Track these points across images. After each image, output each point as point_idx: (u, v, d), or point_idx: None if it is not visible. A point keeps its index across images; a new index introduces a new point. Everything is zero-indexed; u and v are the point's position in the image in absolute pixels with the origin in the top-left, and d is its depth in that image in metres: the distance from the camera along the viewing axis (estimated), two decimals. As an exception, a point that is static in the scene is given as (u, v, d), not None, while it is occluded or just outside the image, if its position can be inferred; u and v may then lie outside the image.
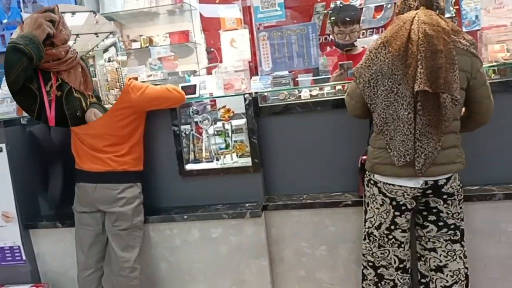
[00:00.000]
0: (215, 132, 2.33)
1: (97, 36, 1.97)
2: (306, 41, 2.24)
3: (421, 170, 1.63)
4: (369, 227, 1.82)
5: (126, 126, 2.05)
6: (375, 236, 1.79)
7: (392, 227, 1.75)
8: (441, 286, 1.77)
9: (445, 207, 1.72)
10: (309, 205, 2.10)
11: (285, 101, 2.21)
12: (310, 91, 2.24)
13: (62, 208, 2.30)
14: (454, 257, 1.75)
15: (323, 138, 2.15)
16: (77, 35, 1.88)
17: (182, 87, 2.18)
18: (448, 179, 1.68)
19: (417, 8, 1.66)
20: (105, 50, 2.02)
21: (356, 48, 2.67)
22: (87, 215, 2.10)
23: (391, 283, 1.81)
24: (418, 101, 1.59)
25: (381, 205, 1.76)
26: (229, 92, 2.24)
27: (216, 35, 2.70)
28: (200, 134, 2.36)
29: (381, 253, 1.79)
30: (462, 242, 1.76)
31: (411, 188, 1.68)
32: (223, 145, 2.32)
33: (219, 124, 2.35)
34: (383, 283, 1.82)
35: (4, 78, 1.75)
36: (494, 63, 1.98)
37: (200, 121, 2.30)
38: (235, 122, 2.32)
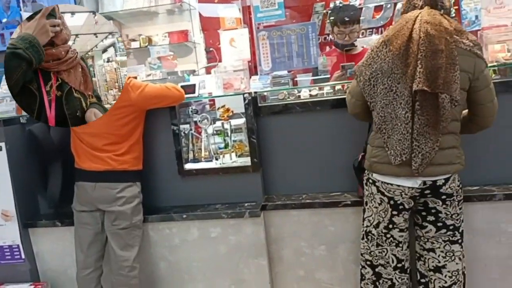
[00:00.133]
0: (214, 132, 2.33)
1: (96, 37, 1.97)
2: (306, 41, 2.24)
3: (418, 170, 1.63)
4: (367, 226, 1.82)
5: (126, 125, 2.05)
6: (373, 235, 1.79)
7: (390, 226, 1.75)
8: (439, 286, 1.76)
9: (444, 208, 1.71)
10: (308, 205, 2.10)
11: (284, 100, 2.21)
12: (310, 90, 2.23)
13: (61, 207, 2.30)
14: (453, 257, 1.74)
15: (323, 138, 2.15)
16: (76, 35, 1.88)
17: (182, 87, 2.17)
18: (447, 180, 1.68)
19: (421, 8, 1.65)
20: (104, 50, 2.02)
21: (356, 48, 2.66)
22: (87, 214, 2.10)
23: (389, 282, 1.81)
24: (417, 101, 1.59)
25: (379, 204, 1.76)
26: (229, 91, 2.24)
27: (215, 35, 2.71)
28: (199, 133, 2.36)
29: (379, 252, 1.79)
30: (462, 243, 1.76)
31: (409, 187, 1.68)
32: (222, 145, 2.32)
33: (218, 123, 2.35)
34: (381, 281, 1.82)
35: (4, 77, 1.75)
36: (495, 63, 1.98)
37: (199, 121, 2.30)
38: (234, 122, 2.32)
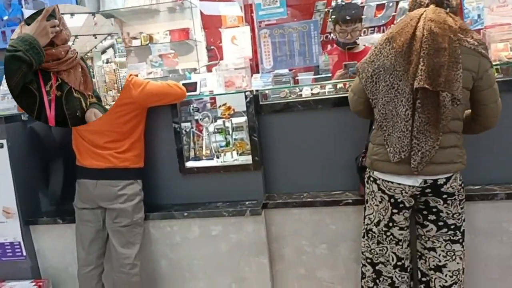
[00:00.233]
0: (216, 130, 2.33)
1: (96, 38, 1.97)
2: (308, 39, 2.23)
3: (417, 168, 1.62)
4: (368, 224, 1.82)
5: (127, 123, 2.05)
6: (373, 232, 1.79)
7: (390, 224, 1.75)
8: (440, 285, 1.76)
9: (445, 207, 1.71)
10: (310, 203, 2.10)
11: (286, 99, 2.21)
12: (311, 89, 2.23)
13: (62, 204, 2.31)
14: (454, 257, 1.74)
15: (324, 136, 2.15)
16: (76, 36, 1.88)
17: (183, 84, 2.17)
18: (448, 179, 1.67)
19: (427, 6, 1.65)
20: (103, 51, 2.02)
21: (358, 47, 2.66)
22: (88, 212, 2.11)
23: (389, 280, 1.81)
24: (418, 99, 1.58)
25: (380, 202, 1.76)
26: (230, 89, 2.24)
27: (217, 33, 2.70)
28: (201, 131, 2.36)
29: (380, 250, 1.79)
30: (463, 243, 1.75)
31: (409, 186, 1.68)
32: (224, 143, 2.32)
33: (220, 121, 2.35)
34: (381, 279, 1.82)
35: (4, 76, 1.75)
36: (498, 62, 1.97)
37: (200, 119, 2.30)
38: (236, 120, 2.32)
